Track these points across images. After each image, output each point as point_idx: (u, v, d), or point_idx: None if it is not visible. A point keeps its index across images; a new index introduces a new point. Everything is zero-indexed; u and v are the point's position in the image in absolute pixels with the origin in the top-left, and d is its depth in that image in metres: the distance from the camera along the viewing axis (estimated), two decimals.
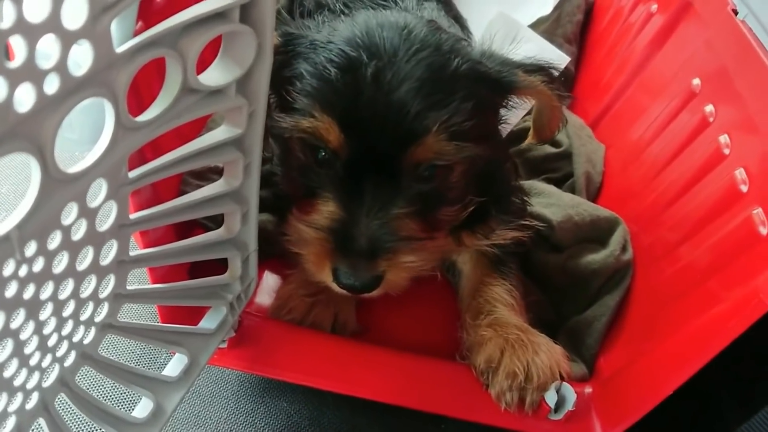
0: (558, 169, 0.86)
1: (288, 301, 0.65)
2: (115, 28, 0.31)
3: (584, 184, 0.82)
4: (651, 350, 0.58)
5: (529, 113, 0.79)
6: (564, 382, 0.58)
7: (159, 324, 0.49)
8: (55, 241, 0.33)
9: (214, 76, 0.40)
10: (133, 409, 0.48)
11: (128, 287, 0.43)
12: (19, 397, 0.36)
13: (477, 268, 0.68)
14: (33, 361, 0.36)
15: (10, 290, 0.31)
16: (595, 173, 0.85)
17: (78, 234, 0.35)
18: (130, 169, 0.37)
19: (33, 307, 0.34)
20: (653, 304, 0.64)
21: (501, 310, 0.62)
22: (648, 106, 0.81)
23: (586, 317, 0.69)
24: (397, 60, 0.48)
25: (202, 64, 0.38)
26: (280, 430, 0.69)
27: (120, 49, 0.31)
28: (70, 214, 0.33)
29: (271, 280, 0.72)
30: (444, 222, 0.56)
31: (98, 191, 0.35)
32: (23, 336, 0.34)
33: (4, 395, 0.35)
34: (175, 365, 0.50)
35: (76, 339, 0.39)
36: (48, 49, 0.27)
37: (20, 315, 0.33)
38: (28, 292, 0.33)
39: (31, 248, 0.31)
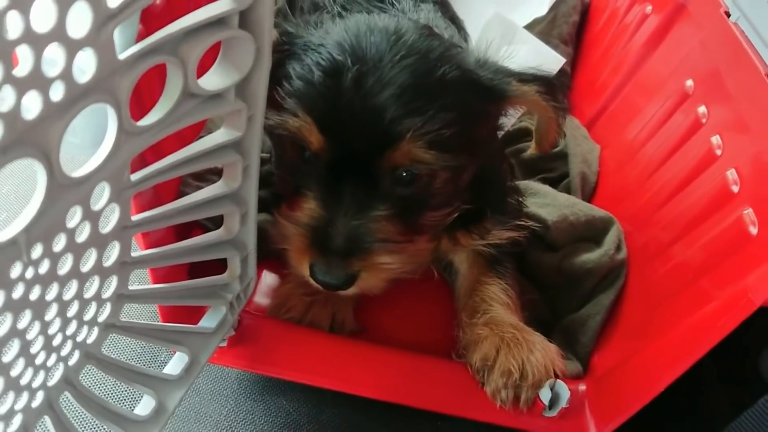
0: (553, 170, 0.87)
1: (286, 301, 0.66)
2: (117, 35, 0.31)
3: (579, 184, 0.83)
4: (644, 348, 0.58)
5: (525, 113, 0.80)
6: (558, 380, 0.58)
7: (160, 323, 0.50)
8: (60, 243, 0.34)
9: (213, 80, 0.41)
10: (134, 407, 0.48)
11: (130, 287, 0.43)
12: (25, 395, 0.37)
13: (473, 268, 0.69)
14: (38, 361, 0.37)
15: (17, 292, 0.32)
16: (591, 173, 0.86)
17: (82, 236, 0.36)
18: (132, 172, 0.38)
19: (39, 308, 0.35)
20: (647, 302, 0.65)
21: (497, 309, 0.63)
22: (643, 107, 0.82)
23: (580, 316, 0.70)
24: (381, 65, 0.49)
25: (201, 69, 0.39)
26: (280, 428, 0.70)
27: (123, 56, 0.32)
28: (74, 217, 0.34)
29: (269, 280, 0.73)
30: (427, 226, 0.56)
31: (101, 194, 0.36)
32: (29, 336, 0.35)
33: (11, 394, 0.36)
34: (176, 364, 0.51)
35: (80, 338, 0.40)
36: (54, 56, 0.28)
37: (26, 316, 0.34)
38: (34, 294, 0.34)
39: (37, 251, 0.32)
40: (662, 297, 0.62)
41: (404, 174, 0.51)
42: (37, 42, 0.26)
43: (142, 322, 0.46)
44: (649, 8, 0.88)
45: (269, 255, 0.60)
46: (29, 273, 0.33)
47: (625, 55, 0.91)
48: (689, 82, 0.71)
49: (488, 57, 0.54)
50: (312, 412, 0.71)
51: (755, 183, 0.54)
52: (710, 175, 0.61)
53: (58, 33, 0.27)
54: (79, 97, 0.30)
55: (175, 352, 0.52)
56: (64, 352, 0.39)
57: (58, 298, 0.36)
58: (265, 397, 0.72)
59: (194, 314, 0.55)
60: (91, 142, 0.37)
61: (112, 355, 0.45)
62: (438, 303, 0.72)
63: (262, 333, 0.62)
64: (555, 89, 0.56)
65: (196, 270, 0.57)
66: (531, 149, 0.67)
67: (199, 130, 0.66)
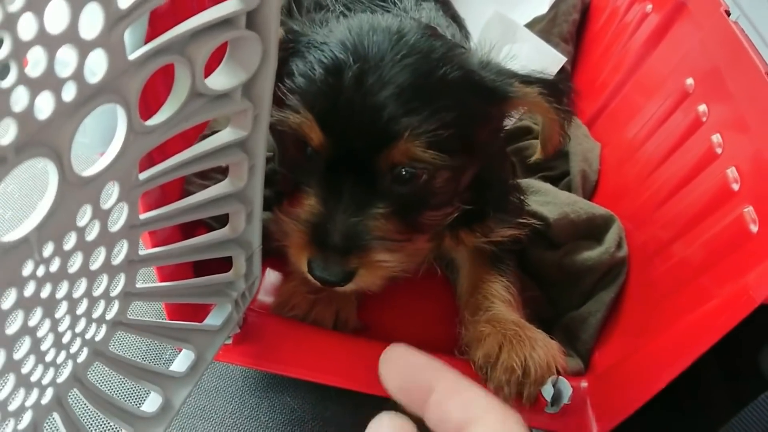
0: (554, 168, 0.88)
1: (290, 299, 0.67)
2: (127, 36, 0.32)
3: (580, 183, 0.84)
4: (645, 345, 0.59)
5: (526, 112, 0.81)
6: (560, 377, 0.59)
7: (166, 321, 0.50)
8: (70, 242, 0.34)
9: (220, 80, 0.41)
10: (140, 404, 0.49)
11: (137, 285, 0.44)
12: (35, 392, 0.38)
13: (475, 266, 0.69)
14: (48, 358, 0.37)
15: (29, 290, 0.33)
16: (591, 171, 0.86)
17: (91, 235, 0.36)
18: (140, 171, 0.39)
19: (49, 306, 0.35)
20: (647, 300, 0.66)
21: (499, 307, 0.64)
22: (643, 106, 0.82)
23: (581, 313, 0.70)
24: (382, 64, 0.49)
25: (206, 69, 0.40)
26: (284, 424, 0.70)
27: (132, 57, 0.33)
28: (84, 215, 0.35)
29: (273, 278, 0.74)
30: (426, 226, 0.57)
31: (111, 193, 0.37)
32: (40, 333, 0.36)
33: (22, 390, 0.36)
34: (182, 361, 0.51)
35: (88, 336, 0.41)
36: (66, 57, 0.28)
37: (37, 313, 0.34)
38: (45, 291, 0.34)
39: (48, 249, 0.33)
40: (663, 294, 0.63)
41: (403, 172, 0.51)
42: (50, 43, 0.27)
43: (149, 319, 0.47)
44: (649, 7, 0.88)
45: (273, 253, 0.60)
46: (41, 271, 0.33)
47: (626, 53, 0.92)
48: (689, 81, 0.71)
49: (491, 58, 0.54)
50: (316, 409, 0.71)
51: (755, 181, 0.55)
52: (710, 173, 0.62)
53: (71, 34, 0.28)
54: (90, 97, 0.31)
55: (181, 350, 0.52)
56: (73, 350, 0.40)
57: (68, 295, 0.37)
58: (270, 394, 0.72)
59: (200, 312, 0.56)
60: (100, 141, 0.37)
61: (119, 353, 0.45)
62: (440, 301, 0.73)
63: (267, 331, 0.63)
64: (559, 92, 0.57)
65: (201, 268, 0.58)
66: (536, 155, 0.67)
67: (201, 130, 0.66)
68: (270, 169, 0.61)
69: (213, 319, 0.54)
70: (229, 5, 0.37)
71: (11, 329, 0.33)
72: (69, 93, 0.29)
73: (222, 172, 0.49)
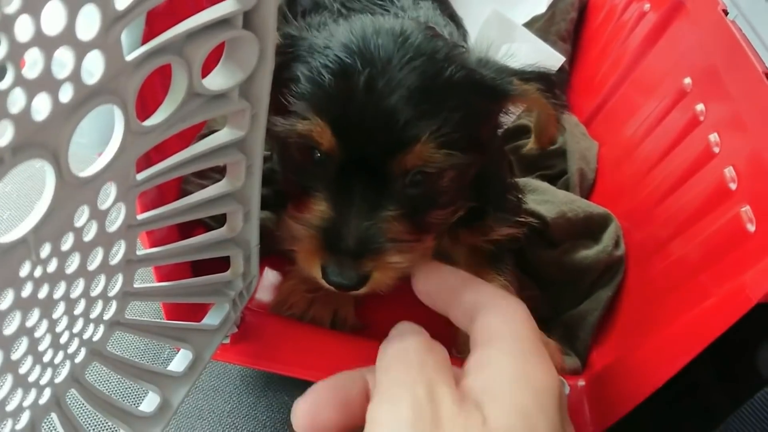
0: (552, 166, 0.88)
1: (288, 297, 0.67)
2: (124, 36, 0.32)
3: (578, 181, 0.84)
4: (642, 344, 0.59)
5: (525, 111, 0.81)
6: (558, 376, 0.59)
7: (164, 321, 0.50)
8: (68, 242, 0.34)
9: (217, 80, 0.41)
10: (138, 404, 0.49)
11: (135, 285, 0.44)
12: (33, 392, 0.38)
13: (473, 265, 0.69)
14: (46, 358, 0.37)
15: (26, 290, 0.33)
16: (589, 170, 0.86)
17: (89, 235, 0.36)
18: (138, 171, 0.39)
19: (47, 306, 0.35)
20: (645, 298, 0.66)
21: None
22: (640, 105, 0.82)
23: (579, 312, 0.70)
24: (390, 68, 0.49)
25: (203, 69, 0.40)
26: (282, 423, 0.70)
27: (129, 57, 0.33)
28: (82, 216, 0.35)
29: (271, 277, 0.74)
30: (434, 225, 0.57)
31: (108, 194, 0.37)
32: (37, 334, 0.36)
33: (20, 391, 0.36)
34: (180, 361, 0.51)
35: (86, 336, 0.41)
36: (63, 58, 0.28)
37: (35, 314, 0.35)
38: (43, 292, 0.34)
39: (45, 250, 0.33)
40: (660, 293, 0.63)
41: (416, 175, 0.52)
42: (47, 44, 0.27)
43: (147, 319, 0.47)
44: (647, 6, 0.89)
45: (271, 252, 0.60)
46: (38, 272, 0.33)
47: (623, 52, 0.92)
48: (687, 80, 0.72)
49: (490, 56, 0.55)
50: None
51: (753, 181, 0.55)
52: (708, 172, 0.62)
53: (68, 35, 0.28)
54: (87, 98, 0.31)
55: (179, 350, 0.52)
56: (70, 350, 0.40)
57: (66, 296, 0.37)
58: (268, 393, 0.72)
59: (198, 312, 0.56)
60: (98, 142, 0.37)
61: (117, 353, 0.45)
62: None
63: (265, 330, 0.63)
64: (554, 85, 0.57)
65: (198, 268, 0.58)
66: (530, 144, 0.68)
67: (199, 129, 0.66)
68: (268, 168, 0.61)
69: (211, 319, 0.54)
70: (226, 5, 0.37)
71: (9, 330, 0.33)
72: (66, 94, 0.29)
73: (220, 172, 0.49)
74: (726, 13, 0.67)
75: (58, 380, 0.40)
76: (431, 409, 0.33)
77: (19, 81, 0.26)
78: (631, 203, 0.76)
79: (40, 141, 0.29)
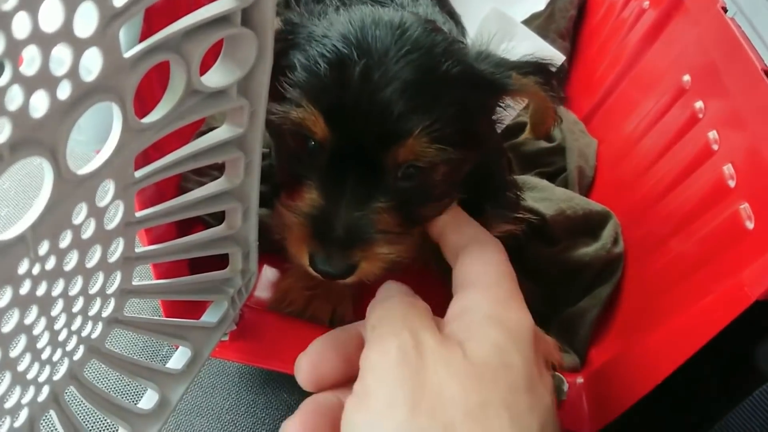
0: (551, 164, 0.88)
1: (287, 295, 0.67)
2: (122, 33, 0.32)
3: (577, 179, 0.84)
4: (641, 341, 0.59)
5: (524, 108, 0.81)
6: (556, 373, 0.59)
7: (163, 318, 0.50)
8: (66, 240, 0.34)
9: (216, 77, 0.41)
10: (137, 401, 0.49)
11: (134, 283, 0.44)
12: (32, 390, 0.38)
13: None
14: (44, 356, 0.37)
15: (24, 288, 0.33)
16: (588, 168, 0.86)
17: (87, 233, 0.36)
18: (136, 169, 0.39)
19: (45, 304, 0.35)
20: (643, 296, 0.66)
21: None
22: (639, 102, 0.82)
23: (578, 309, 0.70)
24: (387, 60, 0.49)
25: (202, 67, 0.39)
26: (281, 420, 0.69)
27: (128, 54, 0.33)
28: (80, 213, 0.35)
29: (270, 274, 0.74)
30: (426, 218, 0.57)
31: (106, 191, 0.37)
32: (36, 331, 0.36)
33: (18, 388, 0.36)
34: (179, 358, 0.51)
35: (84, 333, 0.41)
36: (61, 56, 0.28)
37: (33, 311, 0.34)
38: (41, 290, 0.34)
39: (44, 247, 0.33)
40: (659, 290, 0.63)
41: (409, 169, 0.51)
42: (45, 42, 0.26)
43: (146, 316, 0.47)
44: (646, 3, 0.89)
45: (269, 249, 0.60)
46: (36, 269, 0.33)
47: (622, 49, 0.92)
48: (686, 77, 0.72)
49: (489, 51, 0.54)
50: None
51: (751, 178, 0.55)
52: (707, 170, 0.62)
53: (66, 32, 0.27)
54: (85, 95, 0.31)
55: (177, 347, 0.52)
56: (69, 347, 0.40)
57: (64, 293, 0.37)
58: (266, 390, 0.72)
59: (196, 309, 0.56)
60: (96, 139, 0.37)
61: (116, 350, 0.45)
62: (435, 296, 0.72)
63: (264, 327, 0.63)
64: (551, 75, 0.57)
65: (196, 265, 0.58)
66: (526, 133, 0.67)
67: (197, 127, 0.66)
68: (266, 165, 0.61)
69: (210, 316, 0.55)
70: (224, 2, 0.37)
71: (7, 327, 0.33)
72: (64, 91, 0.29)
73: (218, 169, 0.49)
74: (725, 10, 0.67)
75: (56, 377, 0.40)
76: (416, 350, 0.37)
77: (17, 78, 0.26)
78: (630, 201, 0.76)
79: (38, 138, 0.29)
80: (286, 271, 0.69)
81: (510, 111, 0.61)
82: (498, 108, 0.59)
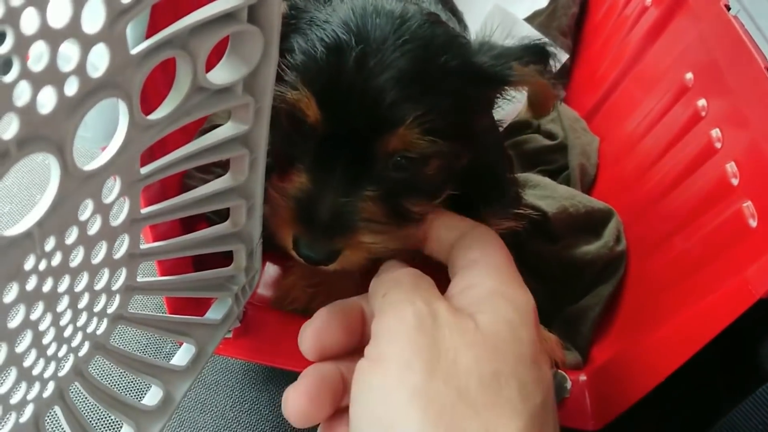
0: (553, 162, 0.88)
1: (290, 292, 0.67)
2: (129, 30, 0.32)
3: (579, 176, 0.84)
4: (643, 339, 0.59)
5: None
6: (559, 370, 0.59)
7: (168, 315, 0.50)
8: (72, 236, 0.34)
9: (222, 74, 0.41)
10: (141, 398, 0.49)
11: (138, 279, 0.44)
12: (37, 385, 0.38)
13: None
14: (50, 352, 0.38)
15: (31, 284, 0.33)
16: (590, 165, 0.86)
17: (93, 229, 0.36)
18: (141, 165, 0.39)
19: (51, 300, 0.35)
20: (646, 294, 0.66)
21: None
22: (642, 100, 0.82)
23: (580, 307, 0.71)
24: (384, 48, 0.48)
25: (207, 63, 0.39)
26: (284, 417, 0.70)
27: (134, 51, 0.33)
28: (86, 210, 0.35)
29: (272, 272, 0.74)
30: (413, 212, 0.56)
31: (112, 187, 0.37)
32: (42, 327, 0.36)
33: (24, 384, 0.36)
34: (183, 355, 0.52)
35: (89, 330, 0.41)
36: (68, 52, 0.28)
37: (39, 307, 0.35)
38: (47, 285, 0.34)
39: (50, 243, 0.33)
40: (661, 288, 0.63)
41: (398, 159, 0.51)
42: (53, 38, 0.26)
43: (150, 313, 0.47)
44: (648, 1, 0.88)
45: (273, 247, 0.60)
46: (42, 265, 0.33)
47: (625, 47, 0.92)
48: (689, 75, 0.71)
49: (490, 42, 0.54)
50: None
51: (754, 176, 0.55)
52: (709, 167, 0.62)
53: (74, 29, 0.27)
54: (92, 91, 0.31)
55: (181, 344, 0.52)
56: (74, 343, 0.40)
57: (70, 289, 0.37)
58: (270, 387, 0.72)
59: (200, 306, 0.56)
60: (102, 135, 0.37)
61: (120, 347, 0.45)
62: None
63: (267, 324, 0.63)
64: (549, 58, 0.56)
65: (200, 262, 0.58)
66: (523, 112, 0.67)
67: (201, 123, 0.66)
68: (271, 162, 0.61)
69: (214, 313, 0.55)
70: None
71: (13, 323, 0.33)
72: (71, 88, 0.29)
73: (222, 166, 0.49)
74: (728, 8, 0.67)
75: (61, 373, 0.40)
76: (431, 317, 0.38)
77: (25, 74, 0.26)
78: (633, 199, 0.76)
79: (45, 134, 0.29)
80: (289, 269, 0.70)
81: (511, 107, 0.61)
82: (498, 99, 0.58)
